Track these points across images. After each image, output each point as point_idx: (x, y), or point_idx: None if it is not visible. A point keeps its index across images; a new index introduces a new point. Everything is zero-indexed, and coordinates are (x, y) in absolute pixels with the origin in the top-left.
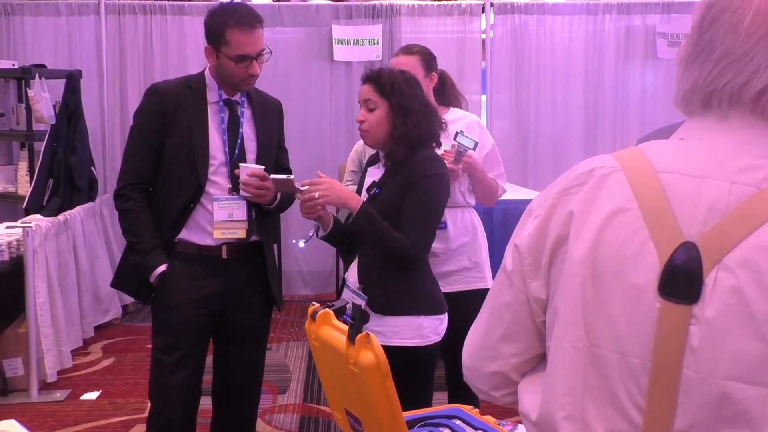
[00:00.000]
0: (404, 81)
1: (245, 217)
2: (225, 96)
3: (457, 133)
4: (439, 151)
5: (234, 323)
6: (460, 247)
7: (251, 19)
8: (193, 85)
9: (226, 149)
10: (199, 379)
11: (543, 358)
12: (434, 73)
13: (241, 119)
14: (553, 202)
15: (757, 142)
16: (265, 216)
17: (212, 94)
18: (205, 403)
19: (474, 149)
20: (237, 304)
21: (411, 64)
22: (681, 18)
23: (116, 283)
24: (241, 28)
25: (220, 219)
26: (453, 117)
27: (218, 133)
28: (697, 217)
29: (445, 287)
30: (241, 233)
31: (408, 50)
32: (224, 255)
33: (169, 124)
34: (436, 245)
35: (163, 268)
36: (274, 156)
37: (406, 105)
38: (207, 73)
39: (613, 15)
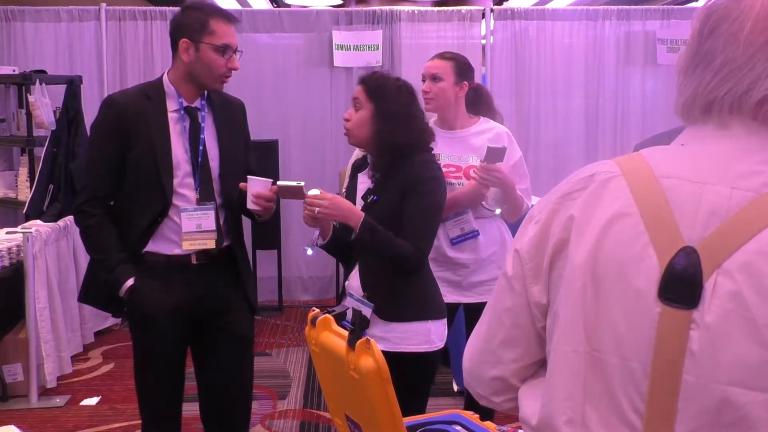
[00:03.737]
0: (395, 87)
1: (214, 228)
2: (185, 104)
3: (488, 148)
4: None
5: (214, 330)
6: (489, 257)
7: (232, 15)
8: (152, 95)
9: (191, 158)
10: (181, 388)
11: (543, 363)
12: (465, 83)
13: (202, 125)
14: (554, 207)
15: (758, 148)
16: (233, 219)
17: (172, 103)
18: (193, 409)
19: (503, 155)
20: (213, 310)
21: (442, 68)
22: (681, 24)
23: (84, 298)
24: (225, 20)
25: (188, 230)
26: (481, 128)
27: (180, 143)
28: (697, 222)
29: (476, 297)
30: (210, 244)
31: (442, 55)
32: (194, 261)
33: (130, 136)
34: (466, 256)
35: (131, 281)
36: (242, 160)
37: (389, 110)
38: (165, 80)
39: (613, 21)
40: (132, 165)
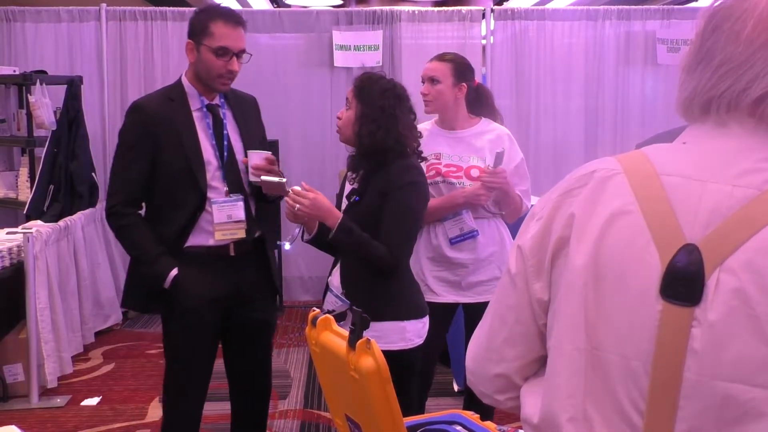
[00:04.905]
0: (380, 90)
1: (243, 218)
2: (207, 101)
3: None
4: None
5: (247, 320)
6: (488, 257)
7: (236, 17)
8: (174, 97)
9: (218, 153)
10: (208, 384)
11: (545, 362)
12: (464, 84)
13: (224, 121)
14: (555, 204)
15: (758, 147)
16: (264, 209)
17: (194, 102)
18: (214, 408)
19: (501, 157)
20: (244, 301)
21: (441, 70)
22: (681, 24)
23: (126, 302)
24: (226, 22)
25: (219, 221)
26: (482, 129)
27: (207, 139)
28: (699, 220)
29: (475, 297)
30: (241, 233)
31: (441, 57)
32: (232, 252)
33: (160, 140)
34: (465, 255)
35: (174, 272)
36: None
37: (370, 112)
38: (185, 80)
39: (613, 21)
40: (165, 166)
